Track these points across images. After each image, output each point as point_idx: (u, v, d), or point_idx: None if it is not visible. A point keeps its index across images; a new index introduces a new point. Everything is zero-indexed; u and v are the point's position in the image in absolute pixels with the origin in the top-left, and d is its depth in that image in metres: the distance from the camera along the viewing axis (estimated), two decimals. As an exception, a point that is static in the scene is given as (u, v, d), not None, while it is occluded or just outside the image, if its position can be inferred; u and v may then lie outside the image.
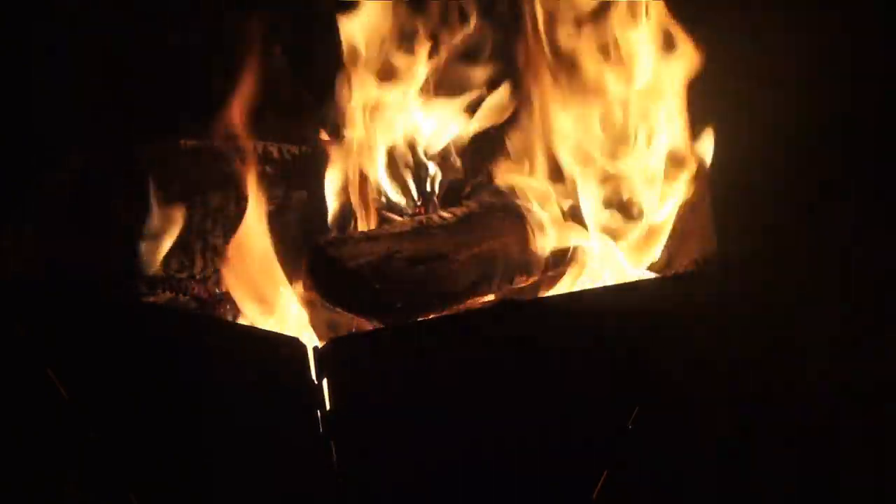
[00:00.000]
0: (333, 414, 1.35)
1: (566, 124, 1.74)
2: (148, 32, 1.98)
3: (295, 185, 1.80)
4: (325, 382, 1.33)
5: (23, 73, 1.95)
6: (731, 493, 1.74)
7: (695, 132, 1.71)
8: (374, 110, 1.80)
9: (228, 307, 1.70)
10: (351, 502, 1.44)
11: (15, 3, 1.95)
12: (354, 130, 1.79)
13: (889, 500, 1.73)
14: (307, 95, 1.95)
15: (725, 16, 1.88)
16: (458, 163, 1.85)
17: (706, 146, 1.70)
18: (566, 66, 1.74)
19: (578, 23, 1.73)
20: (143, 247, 1.73)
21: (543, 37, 1.73)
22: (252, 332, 1.49)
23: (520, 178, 1.76)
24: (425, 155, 1.84)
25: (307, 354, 1.30)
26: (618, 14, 1.70)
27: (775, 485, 1.75)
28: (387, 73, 1.79)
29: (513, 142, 1.81)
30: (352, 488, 1.42)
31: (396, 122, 1.82)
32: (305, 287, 1.63)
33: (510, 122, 1.82)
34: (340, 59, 1.80)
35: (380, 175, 1.81)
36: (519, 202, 1.73)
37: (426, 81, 1.81)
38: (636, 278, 1.68)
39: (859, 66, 2.01)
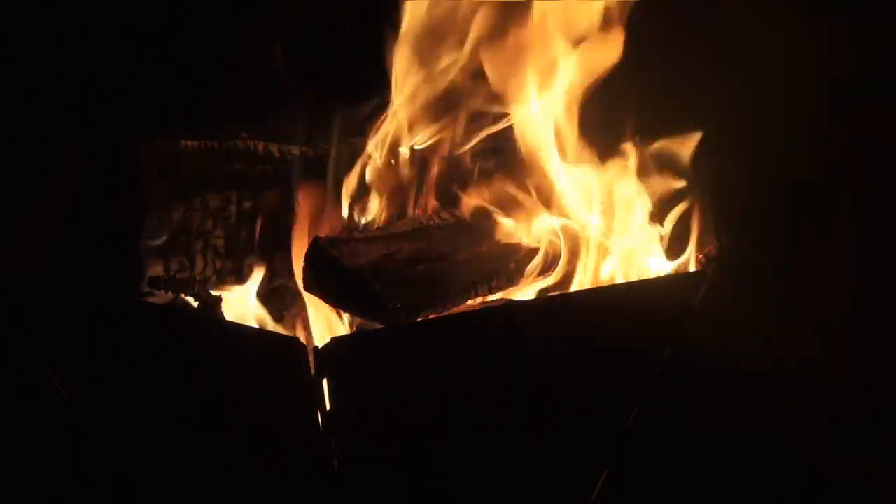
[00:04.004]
0: (333, 414, 1.35)
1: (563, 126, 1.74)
2: (149, 31, 1.98)
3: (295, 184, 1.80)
4: (325, 382, 1.33)
5: (23, 72, 1.95)
6: (731, 492, 1.74)
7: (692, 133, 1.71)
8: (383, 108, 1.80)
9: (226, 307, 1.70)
10: (351, 502, 1.44)
11: (15, 2, 1.95)
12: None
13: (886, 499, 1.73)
14: (309, 95, 1.95)
15: (725, 17, 1.88)
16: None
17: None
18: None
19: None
20: (143, 247, 1.73)
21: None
22: (252, 332, 1.49)
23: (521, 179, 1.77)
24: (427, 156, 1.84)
25: (307, 354, 1.30)
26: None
27: (774, 484, 1.75)
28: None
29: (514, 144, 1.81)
30: (352, 488, 1.42)
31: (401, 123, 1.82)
32: (305, 286, 1.63)
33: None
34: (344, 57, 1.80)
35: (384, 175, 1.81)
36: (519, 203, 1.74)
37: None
38: (636, 278, 1.68)
39: (860, 69, 2.01)
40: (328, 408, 1.35)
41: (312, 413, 1.35)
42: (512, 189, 1.75)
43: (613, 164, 1.73)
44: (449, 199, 1.83)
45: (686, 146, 1.70)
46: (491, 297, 1.66)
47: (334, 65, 1.95)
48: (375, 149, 1.80)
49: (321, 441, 1.36)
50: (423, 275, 1.57)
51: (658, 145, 1.72)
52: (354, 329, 1.62)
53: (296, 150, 1.80)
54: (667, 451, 1.74)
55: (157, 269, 1.73)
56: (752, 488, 1.74)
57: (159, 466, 1.56)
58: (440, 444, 1.45)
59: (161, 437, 1.51)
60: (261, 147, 1.78)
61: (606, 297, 1.51)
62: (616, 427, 1.56)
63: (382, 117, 1.79)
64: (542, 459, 1.52)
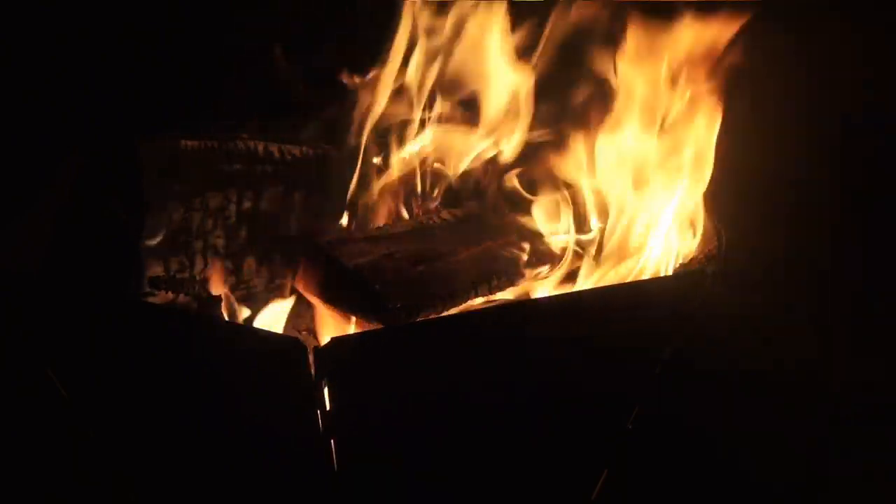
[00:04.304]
0: (333, 414, 1.35)
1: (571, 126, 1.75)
2: (149, 31, 1.98)
3: (295, 185, 1.80)
4: (324, 382, 1.33)
5: (23, 72, 1.95)
6: (732, 492, 1.74)
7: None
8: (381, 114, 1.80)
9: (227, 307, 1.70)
10: (351, 502, 1.44)
11: (15, 2, 1.95)
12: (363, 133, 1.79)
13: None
14: (310, 95, 1.95)
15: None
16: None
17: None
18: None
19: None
20: (143, 247, 1.73)
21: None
22: (252, 332, 1.50)
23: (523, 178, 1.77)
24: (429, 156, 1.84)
25: (307, 354, 1.30)
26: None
27: (774, 484, 1.75)
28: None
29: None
30: (352, 488, 1.42)
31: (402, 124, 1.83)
32: (305, 287, 1.63)
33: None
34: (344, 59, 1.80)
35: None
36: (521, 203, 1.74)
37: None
38: (635, 278, 1.68)
39: (863, 71, 2.01)
40: (328, 408, 1.35)
41: (312, 413, 1.35)
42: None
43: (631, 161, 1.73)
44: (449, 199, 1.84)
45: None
46: (491, 297, 1.67)
47: (334, 64, 1.95)
48: (376, 148, 1.81)
49: (321, 441, 1.36)
50: (423, 275, 1.57)
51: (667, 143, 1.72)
52: (355, 329, 1.62)
53: (296, 151, 1.80)
54: (667, 451, 1.74)
55: (157, 269, 1.73)
56: (752, 488, 1.74)
57: (159, 466, 1.56)
58: (440, 444, 1.45)
59: (161, 437, 1.51)
60: (261, 147, 1.78)
61: (606, 297, 1.51)
62: (616, 427, 1.56)
63: (378, 116, 1.80)
64: (542, 459, 1.52)
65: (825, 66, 1.93)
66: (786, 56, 1.92)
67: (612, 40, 1.70)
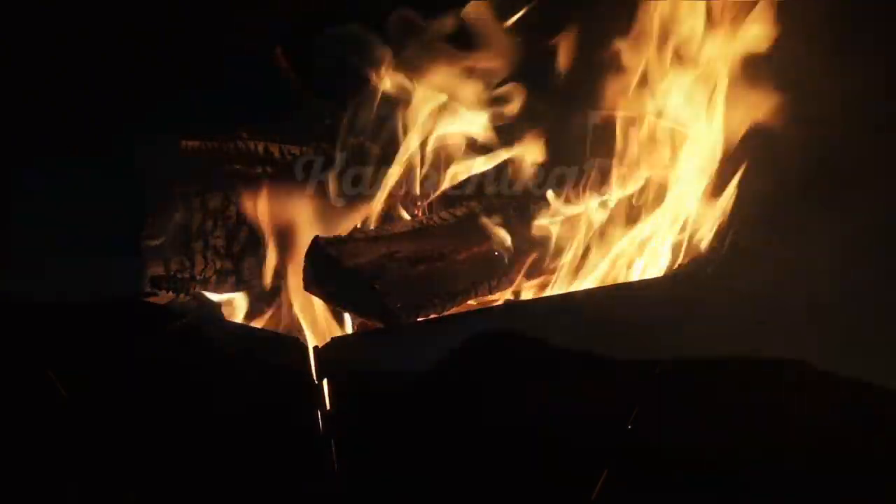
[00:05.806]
0: (333, 414, 1.35)
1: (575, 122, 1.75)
2: (149, 31, 1.98)
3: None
4: (325, 382, 1.33)
5: (23, 72, 1.95)
6: (732, 492, 1.74)
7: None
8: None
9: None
10: (351, 502, 1.44)
11: (15, 2, 1.96)
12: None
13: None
14: (310, 95, 1.95)
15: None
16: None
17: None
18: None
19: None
20: (144, 247, 1.73)
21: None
22: (252, 332, 1.50)
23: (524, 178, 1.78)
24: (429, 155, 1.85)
25: (307, 354, 1.30)
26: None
27: (777, 486, 1.75)
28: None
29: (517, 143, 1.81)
30: (352, 488, 1.42)
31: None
32: (305, 286, 1.63)
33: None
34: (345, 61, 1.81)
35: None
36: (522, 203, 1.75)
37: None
38: (636, 278, 1.68)
39: (873, 67, 2.01)
40: (328, 408, 1.35)
41: (313, 413, 1.35)
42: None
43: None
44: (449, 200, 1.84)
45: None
46: (491, 297, 1.67)
47: (334, 65, 1.96)
48: (378, 148, 1.81)
49: (321, 441, 1.36)
50: (423, 275, 1.58)
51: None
52: (355, 329, 1.63)
53: (296, 150, 1.80)
54: (667, 451, 1.74)
55: (157, 269, 1.73)
56: (751, 489, 1.74)
57: (159, 466, 1.56)
58: (439, 443, 1.45)
59: (161, 437, 1.51)
60: (261, 147, 1.78)
61: (607, 297, 1.51)
62: (616, 427, 1.56)
63: (377, 115, 1.80)
64: (542, 459, 1.52)
65: (838, 60, 1.93)
66: (795, 50, 1.92)
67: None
